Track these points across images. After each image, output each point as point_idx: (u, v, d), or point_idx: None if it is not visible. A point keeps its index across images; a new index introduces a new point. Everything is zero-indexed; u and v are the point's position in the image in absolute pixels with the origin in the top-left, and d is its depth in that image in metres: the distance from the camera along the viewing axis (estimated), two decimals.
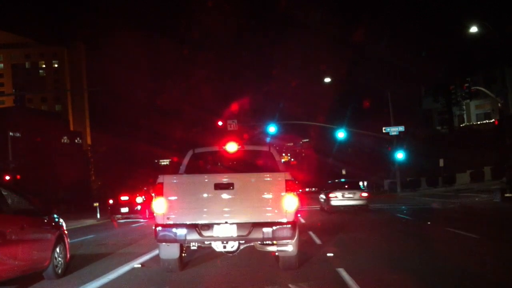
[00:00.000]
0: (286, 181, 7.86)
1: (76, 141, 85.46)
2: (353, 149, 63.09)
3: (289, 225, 7.70)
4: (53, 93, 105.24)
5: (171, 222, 7.80)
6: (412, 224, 16.54)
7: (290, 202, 7.76)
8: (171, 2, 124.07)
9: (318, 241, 12.16)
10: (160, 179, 7.94)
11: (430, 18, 55.54)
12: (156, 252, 9.83)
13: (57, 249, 7.95)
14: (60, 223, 8.43)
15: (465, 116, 69.14)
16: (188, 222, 7.77)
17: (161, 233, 7.78)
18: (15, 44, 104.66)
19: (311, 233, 13.53)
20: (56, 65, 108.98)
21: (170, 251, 8.38)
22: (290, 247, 8.23)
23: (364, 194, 23.42)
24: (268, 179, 8.11)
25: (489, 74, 54.28)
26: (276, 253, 8.54)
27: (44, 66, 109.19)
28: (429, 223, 16.37)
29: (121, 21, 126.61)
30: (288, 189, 7.80)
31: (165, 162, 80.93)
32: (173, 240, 7.86)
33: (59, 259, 8.01)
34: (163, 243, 8.13)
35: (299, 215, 9.26)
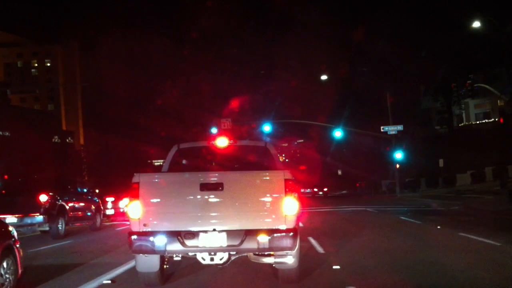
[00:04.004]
0: (285, 180, 6.58)
1: (67, 140, 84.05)
2: (351, 149, 62.12)
3: (289, 233, 6.43)
4: (45, 92, 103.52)
5: (148, 229, 6.53)
6: (422, 228, 15.22)
7: (290, 206, 6.48)
8: (170, 2, 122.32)
9: (320, 249, 10.80)
10: (136, 178, 6.65)
11: (430, 17, 54.52)
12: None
13: (4, 264, 6.57)
14: (11, 232, 7.08)
15: (464, 116, 68.25)
16: (168, 230, 6.50)
17: (136, 243, 6.51)
18: (7, 43, 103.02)
19: (311, 239, 12.19)
20: (48, 64, 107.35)
21: (149, 263, 7.09)
22: (290, 259, 6.94)
23: None
24: (264, 178, 6.82)
25: (490, 72, 53.29)
26: (274, 265, 7.28)
27: (36, 65, 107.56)
28: (439, 227, 15.13)
29: (118, 20, 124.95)
30: (288, 190, 6.52)
31: (158, 162, 79.64)
32: (151, 251, 6.57)
33: (7, 275, 6.60)
34: (140, 254, 6.90)
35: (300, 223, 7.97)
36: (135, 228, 6.57)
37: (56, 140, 78.84)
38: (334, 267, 8.45)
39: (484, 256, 9.52)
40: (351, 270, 8.35)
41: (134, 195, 6.56)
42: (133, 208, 6.56)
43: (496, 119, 56.44)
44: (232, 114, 43.18)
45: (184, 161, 8.59)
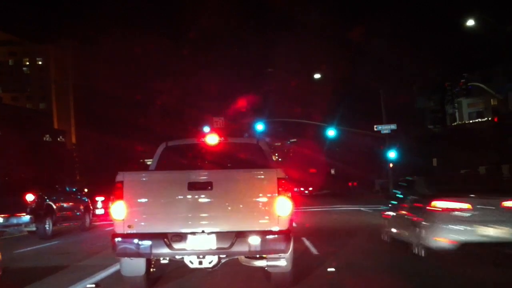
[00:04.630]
0: (278, 179, 6.22)
1: (59, 139, 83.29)
2: (346, 148, 61.96)
3: (282, 235, 6.09)
4: (36, 91, 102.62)
5: (133, 231, 6.18)
6: None
7: (283, 206, 6.13)
8: (170, 2, 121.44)
9: (314, 250, 10.49)
10: (120, 177, 6.28)
11: (429, 17, 54.59)
12: None
13: None
14: None
15: (457, 115, 68.17)
16: (154, 232, 6.14)
17: (120, 246, 6.15)
18: (1, 41, 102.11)
19: (305, 239, 11.88)
20: (40, 63, 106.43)
21: (134, 267, 6.74)
22: (283, 262, 6.61)
23: None
24: (256, 177, 6.45)
25: (486, 72, 53.16)
26: (266, 269, 6.94)
27: (28, 63, 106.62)
28: None
29: (118, 20, 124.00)
30: (281, 189, 6.16)
31: (150, 161, 78.79)
32: (136, 254, 6.23)
33: None
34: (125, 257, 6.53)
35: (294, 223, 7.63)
36: (119, 230, 6.22)
37: (48, 139, 78.13)
38: (329, 269, 8.13)
39: (484, 257, 9.23)
40: (346, 273, 8.07)
41: (118, 195, 6.21)
42: (117, 209, 6.20)
43: (490, 118, 56.38)
44: (231, 113, 42.96)
45: (172, 159, 8.22)
